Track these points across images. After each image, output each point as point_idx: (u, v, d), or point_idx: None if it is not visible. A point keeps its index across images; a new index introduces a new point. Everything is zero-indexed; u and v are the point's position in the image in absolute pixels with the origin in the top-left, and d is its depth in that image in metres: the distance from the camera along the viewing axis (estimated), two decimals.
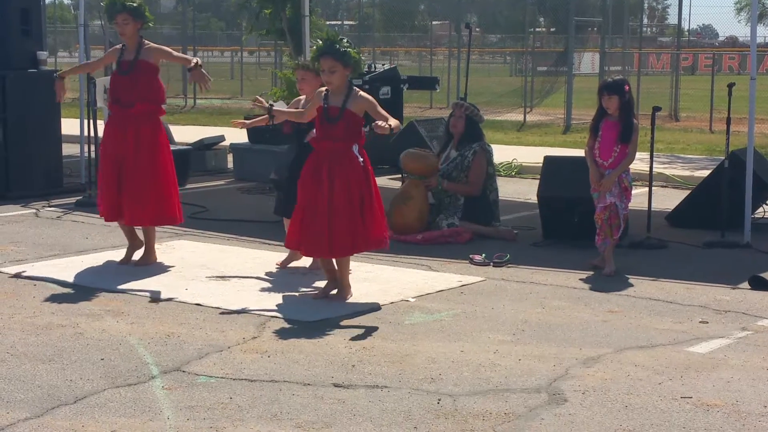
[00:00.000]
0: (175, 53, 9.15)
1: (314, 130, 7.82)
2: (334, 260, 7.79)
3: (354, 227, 7.56)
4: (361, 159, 7.61)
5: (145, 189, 8.76)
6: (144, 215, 8.82)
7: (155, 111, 8.90)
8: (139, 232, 9.03)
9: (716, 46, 57.53)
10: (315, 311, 7.43)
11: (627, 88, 8.81)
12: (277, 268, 8.76)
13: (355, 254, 7.89)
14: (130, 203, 8.76)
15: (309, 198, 7.62)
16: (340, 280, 7.82)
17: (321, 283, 8.01)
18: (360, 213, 7.56)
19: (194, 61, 8.58)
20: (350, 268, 7.96)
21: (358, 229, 7.58)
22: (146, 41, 8.91)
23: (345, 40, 7.72)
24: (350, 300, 7.73)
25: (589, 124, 9.10)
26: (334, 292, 7.82)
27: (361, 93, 7.66)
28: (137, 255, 8.97)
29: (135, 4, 8.84)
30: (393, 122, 7.38)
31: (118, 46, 9.01)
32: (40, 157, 12.57)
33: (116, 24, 8.83)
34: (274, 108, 7.86)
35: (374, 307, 7.55)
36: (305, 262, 8.75)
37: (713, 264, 9.18)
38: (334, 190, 7.50)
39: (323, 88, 7.73)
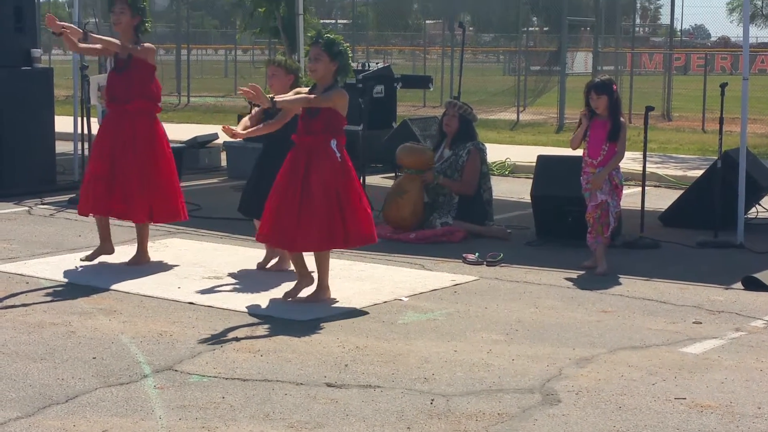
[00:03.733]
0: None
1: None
2: (312, 259, 7.73)
3: (330, 223, 7.46)
4: (339, 154, 7.54)
5: (145, 185, 8.71)
6: (142, 212, 8.78)
7: (151, 108, 8.85)
8: (123, 235, 8.99)
9: (708, 46, 57.63)
10: (308, 310, 7.41)
11: (615, 87, 8.85)
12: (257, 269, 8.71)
13: (339, 250, 7.80)
14: (129, 200, 8.71)
15: (283, 190, 7.54)
16: (318, 280, 7.74)
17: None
18: (338, 208, 7.49)
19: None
20: (344, 267, 7.93)
21: (336, 225, 7.49)
22: (142, 40, 8.84)
23: (345, 43, 7.68)
24: (344, 299, 7.71)
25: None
26: (309, 292, 7.75)
27: (343, 90, 7.58)
28: (107, 257, 8.92)
29: None
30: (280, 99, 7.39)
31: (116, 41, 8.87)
32: (33, 155, 12.55)
33: (113, 13, 8.73)
34: (275, 98, 7.67)
35: (367, 306, 7.53)
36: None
37: (706, 264, 9.18)
38: (309, 184, 7.44)
39: (304, 89, 7.73)
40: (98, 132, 9.04)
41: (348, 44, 7.83)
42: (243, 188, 9.02)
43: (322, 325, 7.05)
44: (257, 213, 8.13)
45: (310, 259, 7.77)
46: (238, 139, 8.03)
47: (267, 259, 8.76)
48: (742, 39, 10.36)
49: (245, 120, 8.23)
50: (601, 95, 8.75)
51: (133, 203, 8.71)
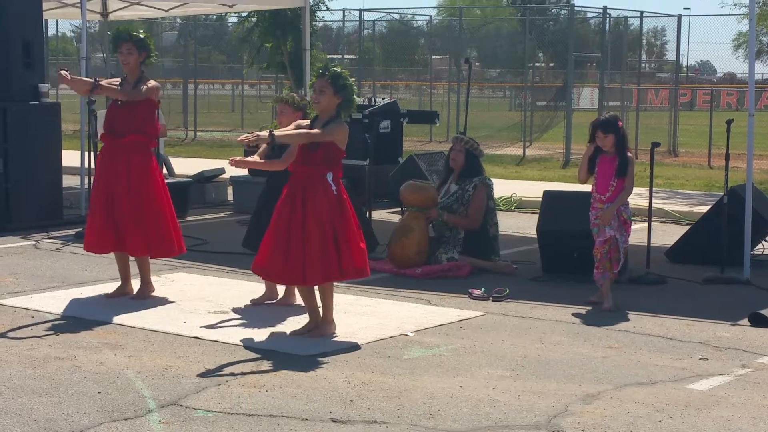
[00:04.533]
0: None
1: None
2: (317, 295, 7.73)
3: (326, 255, 7.46)
4: (335, 187, 7.54)
5: (140, 219, 8.73)
6: (139, 245, 8.80)
7: (147, 143, 8.88)
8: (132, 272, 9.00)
9: (714, 82, 57.69)
10: (313, 345, 7.40)
11: (620, 124, 8.88)
12: (251, 303, 8.68)
13: (346, 285, 7.80)
14: (125, 234, 8.73)
15: (280, 222, 7.55)
16: (323, 315, 7.73)
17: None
18: (333, 241, 7.49)
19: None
20: (349, 302, 7.92)
21: (331, 258, 7.48)
22: (148, 77, 8.91)
23: (351, 78, 7.70)
24: (349, 334, 7.69)
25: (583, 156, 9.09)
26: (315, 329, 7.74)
27: (343, 123, 7.60)
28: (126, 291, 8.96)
29: (141, 36, 8.89)
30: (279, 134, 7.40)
31: (118, 79, 9.01)
32: (40, 189, 12.57)
33: (120, 53, 8.84)
34: (274, 132, 7.59)
35: (372, 342, 7.52)
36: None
37: (713, 300, 9.17)
38: (305, 217, 7.44)
39: (305, 122, 7.76)
40: (95, 168, 9.09)
41: (354, 79, 7.84)
42: (248, 222, 9.04)
43: (327, 360, 7.04)
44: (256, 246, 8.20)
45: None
46: (244, 169, 8.06)
47: (263, 297, 8.73)
48: (747, 75, 10.37)
49: (254, 157, 8.23)
50: (608, 134, 8.78)
51: (129, 237, 8.72)
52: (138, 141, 8.79)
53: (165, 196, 8.91)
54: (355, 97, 7.66)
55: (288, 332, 7.75)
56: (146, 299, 8.79)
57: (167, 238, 8.91)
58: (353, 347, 7.38)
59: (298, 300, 8.27)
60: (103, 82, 8.90)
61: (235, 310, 8.45)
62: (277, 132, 7.43)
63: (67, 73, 8.77)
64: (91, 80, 8.80)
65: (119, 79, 8.97)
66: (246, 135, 7.40)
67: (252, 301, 8.71)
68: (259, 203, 8.72)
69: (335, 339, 7.58)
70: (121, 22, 19.11)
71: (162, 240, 8.88)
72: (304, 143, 7.51)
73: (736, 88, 43.29)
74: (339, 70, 7.58)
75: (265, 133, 7.30)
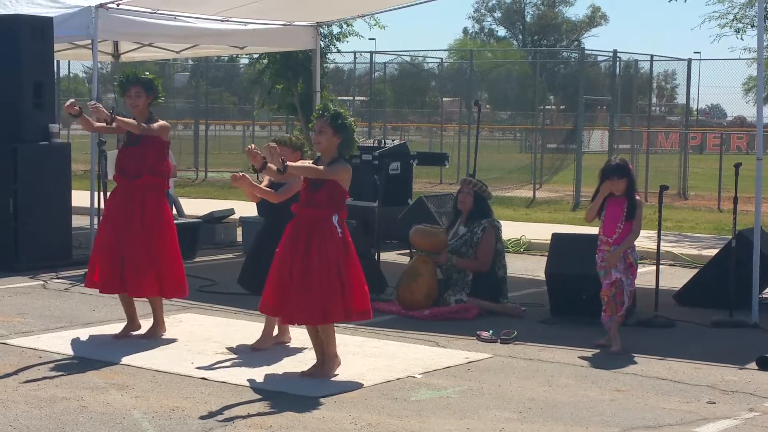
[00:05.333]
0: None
1: None
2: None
3: (331, 296, 7.49)
4: (340, 230, 7.58)
5: (153, 259, 8.77)
6: (151, 286, 8.83)
7: (161, 184, 8.94)
8: (141, 307, 9.01)
9: (725, 125, 57.73)
10: (321, 386, 7.39)
11: (631, 167, 8.93)
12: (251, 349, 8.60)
13: (354, 327, 7.81)
14: (132, 274, 8.77)
15: (284, 263, 7.58)
16: (326, 351, 7.72)
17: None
18: (338, 282, 7.51)
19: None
20: (357, 344, 7.91)
21: (337, 299, 7.52)
22: (157, 118, 8.97)
23: (350, 117, 7.74)
24: (357, 375, 7.69)
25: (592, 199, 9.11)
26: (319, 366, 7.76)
27: (347, 163, 7.63)
28: (135, 330, 8.98)
29: (149, 78, 8.94)
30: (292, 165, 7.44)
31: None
32: (49, 229, 12.60)
33: (129, 96, 8.89)
34: (286, 162, 7.54)
35: (380, 383, 7.51)
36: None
37: (721, 343, 9.14)
38: (310, 257, 7.48)
39: (310, 162, 7.80)
40: (105, 207, 9.12)
41: (354, 118, 7.89)
42: (243, 261, 9.06)
43: (334, 401, 7.03)
44: (255, 288, 8.27)
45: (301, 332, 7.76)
46: (241, 187, 8.09)
47: (260, 342, 8.65)
48: (756, 119, 10.40)
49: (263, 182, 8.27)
50: (621, 179, 8.81)
51: (143, 278, 8.75)
52: (152, 182, 8.84)
53: (175, 238, 8.97)
54: (354, 136, 7.71)
55: (291, 373, 7.75)
56: (157, 338, 8.80)
57: (180, 278, 8.95)
58: (360, 388, 7.37)
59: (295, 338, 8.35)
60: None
61: (243, 351, 8.45)
62: (289, 162, 7.45)
63: (77, 107, 8.58)
64: (108, 112, 8.78)
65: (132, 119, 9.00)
66: (258, 149, 7.38)
67: (252, 347, 8.64)
68: (257, 241, 8.76)
69: (342, 380, 7.57)
70: (133, 63, 19.22)
71: (175, 280, 8.93)
72: (308, 186, 7.56)
73: (746, 131, 43.31)
74: (338, 109, 7.62)
75: (273, 166, 7.35)
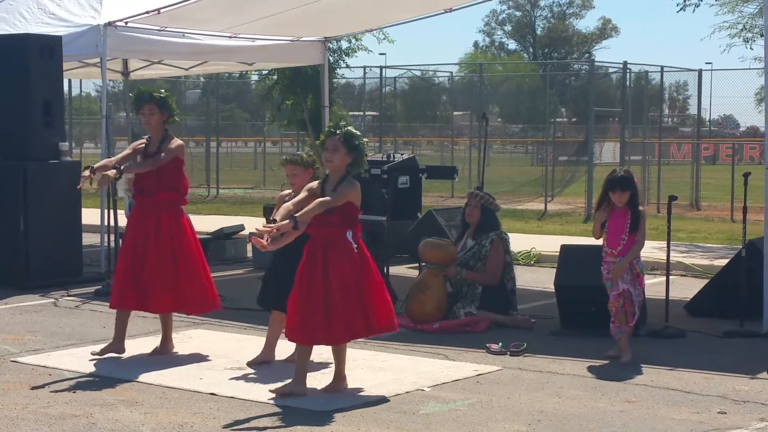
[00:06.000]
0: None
1: None
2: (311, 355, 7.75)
3: (349, 315, 7.49)
4: (356, 245, 7.56)
5: (168, 276, 8.78)
6: (167, 303, 8.85)
7: (178, 200, 8.97)
8: (149, 325, 9.02)
9: (737, 136, 57.60)
10: (329, 401, 7.39)
11: (635, 180, 8.94)
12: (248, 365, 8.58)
13: (363, 341, 7.78)
14: (152, 291, 8.78)
15: (303, 284, 7.56)
16: (336, 370, 7.73)
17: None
18: (357, 299, 7.51)
19: None
20: (366, 357, 7.90)
21: (355, 316, 7.51)
22: (172, 135, 8.99)
23: (360, 135, 7.65)
24: (365, 389, 7.68)
25: (595, 211, 9.12)
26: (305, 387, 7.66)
27: (354, 181, 7.58)
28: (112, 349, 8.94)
29: (162, 95, 8.95)
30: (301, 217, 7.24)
31: (143, 140, 9.04)
32: (59, 247, 12.64)
33: (143, 114, 8.91)
34: (296, 216, 7.30)
35: (388, 397, 7.50)
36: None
37: (732, 354, 9.11)
38: (329, 277, 7.46)
39: (315, 183, 7.70)
40: (127, 225, 9.13)
41: (365, 139, 7.85)
42: (262, 280, 8.99)
43: (343, 415, 7.03)
44: (275, 303, 8.26)
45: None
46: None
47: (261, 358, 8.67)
48: (765, 128, 10.38)
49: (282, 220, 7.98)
50: (625, 191, 8.80)
51: (154, 294, 8.76)
52: (169, 198, 8.88)
53: (198, 252, 8.97)
54: (365, 156, 7.67)
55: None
56: (165, 355, 8.80)
57: (200, 294, 8.95)
58: (369, 402, 7.36)
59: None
60: (125, 154, 8.91)
61: (252, 367, 8.44)
62: (298, 215, 7.32)
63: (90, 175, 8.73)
64: (113, 171, 8.73)
65: (144, 140, 9.01)
66: (265, 227, 7.18)
67: (247, 364, 8.60)
68: (275, 261, 8.67)
69: (351, 394, 7.56)
70: (143, 81, 19.29)
71: (195, 296, 8.93)
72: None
73: (759, 141, 43.21)
74: (351, 129, 7.59)
75: (286, 222, 7.19)
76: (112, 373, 8.22)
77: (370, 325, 7.62)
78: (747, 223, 10.25)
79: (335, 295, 7.45)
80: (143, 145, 8.97)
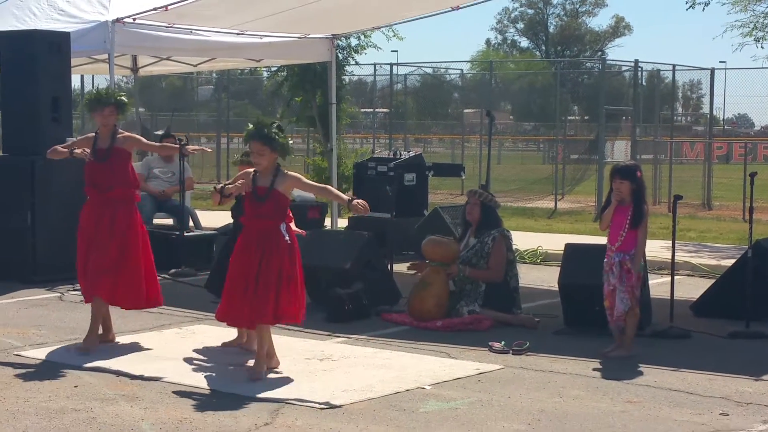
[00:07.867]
0: (146, 141, 9.65)
1: None
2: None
3: (265, 301, 7.90)
4: (288, 238, 7.97)
5: (111, 266, 8.96)
6: (106, 292, 9.01)
7: (132, 195, 9.22)
8: (151, 321, 9.03)
9: (752, 135, 57.41)
10: (331, 397, 7.37)
11: (639, 174, 8.88)
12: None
13: (366, 338, 7.87)
14: (95, 278, 8.97)
15: (238, 272, 8.01)
16: (257, 351, 8.13)
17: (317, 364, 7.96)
18: (276, 287, 7.87)
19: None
20: (368, 355, 7.89)
21: (268, 304, 7.90)
22: (120, 129, 9.29)
23: (275, 125, 8.05)
24: (366, 386, 7.67)
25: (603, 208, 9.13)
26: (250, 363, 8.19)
27: (288, 172, 8.07)
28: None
29: (124, 100, 9.31)
30: (360, 202, 7.94)
31: (90, 134, 9.40)
32: (67, 242, 12.58)
33: (102, 115, 9.15)
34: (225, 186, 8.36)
35: (389, 394, 7.49)
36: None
37: (737, 355, 9.06)
38: (262, 266, 7.88)
39: (251, 170, 8.14)
40: (80, 220, 9.26)
41: (278, 125, 8.13)
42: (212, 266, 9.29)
43: (342, 412, 7.02)
44: (217, 290, 8.69)
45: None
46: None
47: (236, 341, 8.99)
48: None
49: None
50: (624, 180, 8.78)
51: (99, 282, 8.95)
52: (124, 194, 9.13)
53: (145, 247, 9.18)
54: (287, 141, 8.12)
55: (300, 385, 7.75)
56: (88, 349, 8.79)
57: (137, 288, 9.10)
58: (369, 400, 7.35)
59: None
60: (78, 142, 9.41)
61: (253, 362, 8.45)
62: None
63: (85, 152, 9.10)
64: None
65: (93, 134, 9.33)
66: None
67: (223, 344, 8.97)
68: (224, 251, 9.02)
69: (351, 391, 7.55)
70: (153, 77, 19.34)
71: (131, 290, 9.08)
72: (253, 198, 8.00)
73: None
74: (266, 130, 7.95)
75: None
76: (113, 367, 8.22)
77: (277, 315, 7.99)
78: (755, 222, 10.19)
79: (264, 283, 7.86)
80: (92, 136, 9.30)
